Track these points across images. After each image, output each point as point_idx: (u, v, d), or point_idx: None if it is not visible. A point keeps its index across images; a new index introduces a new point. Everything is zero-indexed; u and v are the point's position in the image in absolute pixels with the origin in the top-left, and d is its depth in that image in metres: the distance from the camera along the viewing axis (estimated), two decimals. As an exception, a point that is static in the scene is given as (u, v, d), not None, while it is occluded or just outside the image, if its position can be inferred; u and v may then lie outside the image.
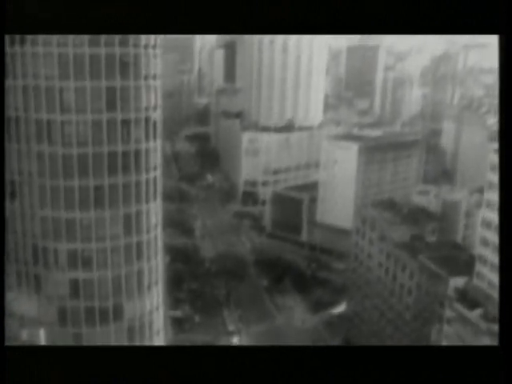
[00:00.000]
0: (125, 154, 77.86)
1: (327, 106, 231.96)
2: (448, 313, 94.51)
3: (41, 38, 71.43)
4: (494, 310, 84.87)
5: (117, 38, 74.13)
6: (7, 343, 37.73)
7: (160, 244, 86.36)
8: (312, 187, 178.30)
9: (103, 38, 73.29)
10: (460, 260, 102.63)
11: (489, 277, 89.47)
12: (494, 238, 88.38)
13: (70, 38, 71.66)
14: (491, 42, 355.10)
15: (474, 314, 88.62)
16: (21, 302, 78.79)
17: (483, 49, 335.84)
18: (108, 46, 73.80)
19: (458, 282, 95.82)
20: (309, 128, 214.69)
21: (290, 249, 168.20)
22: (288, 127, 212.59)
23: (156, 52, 79.05)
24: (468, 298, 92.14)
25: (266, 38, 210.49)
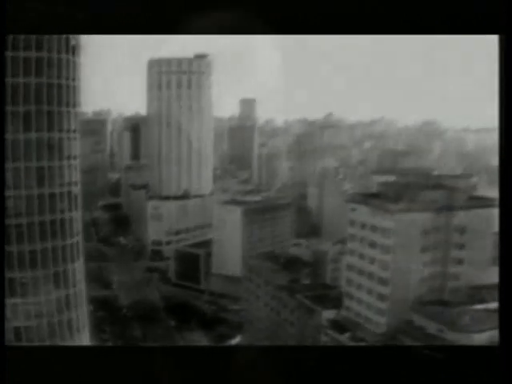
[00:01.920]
0: (52, 223, 77.75)
1: (216, 177, 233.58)
2: (323, 337, 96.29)
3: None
4: (361, 333, 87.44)
5: (45, 123, 74.09)
6: None
7: (84, 296, 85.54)
8: (207, 244, 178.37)
9: (34, 122, 72.97)
10: (330, 297, 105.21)
11: (355, 308, 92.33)
12: (356, 278, 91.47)
13: (9, 124, 70.82)
14: (343, 123, 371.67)
15: (344, 337, 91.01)
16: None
17: (335, 128, 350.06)
18: (38, 131, 73.79)
19: (329, 314, 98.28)
20: (202, 196, 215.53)
21: (193, 295, 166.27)
22: (185, 196, 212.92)
23: (76, 136, 79.72)
24: (338, 326, 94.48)
25: (164, 120, 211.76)
